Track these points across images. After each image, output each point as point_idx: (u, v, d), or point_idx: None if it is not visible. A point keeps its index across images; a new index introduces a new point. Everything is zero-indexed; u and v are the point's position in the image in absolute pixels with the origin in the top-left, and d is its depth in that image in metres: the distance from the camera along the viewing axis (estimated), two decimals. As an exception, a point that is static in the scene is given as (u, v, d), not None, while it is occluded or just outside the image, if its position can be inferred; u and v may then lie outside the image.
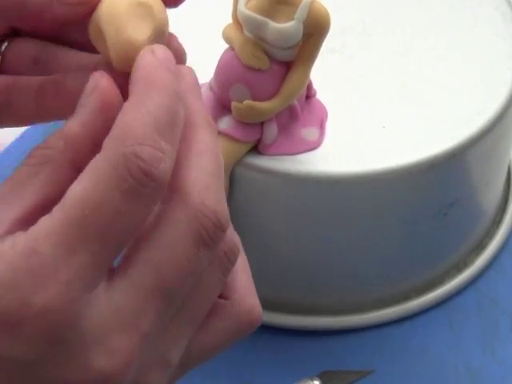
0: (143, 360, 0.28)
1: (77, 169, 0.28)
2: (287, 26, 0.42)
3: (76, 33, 0.34)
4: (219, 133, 0.47)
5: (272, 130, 0.46)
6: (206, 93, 0.47)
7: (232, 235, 0.31)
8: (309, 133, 0.48)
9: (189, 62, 0.35)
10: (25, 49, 0.35)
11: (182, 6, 0.34)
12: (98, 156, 0.27)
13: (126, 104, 0.28)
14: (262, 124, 0.46)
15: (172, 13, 0.34)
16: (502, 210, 0.60)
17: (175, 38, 0.34)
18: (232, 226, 0.31)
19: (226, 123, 0.46)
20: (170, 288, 0.28)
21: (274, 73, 0.44)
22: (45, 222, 0.27)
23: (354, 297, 0.54)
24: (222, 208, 0.29)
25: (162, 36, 0.31)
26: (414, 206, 0.50)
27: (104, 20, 0.30)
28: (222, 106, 0.46)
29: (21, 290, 0.26)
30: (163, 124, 0.27)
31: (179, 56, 0.33)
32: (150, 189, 0.27)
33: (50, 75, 0.34)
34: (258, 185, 0.48)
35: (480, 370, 0.53)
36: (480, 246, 0.58)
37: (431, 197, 0.51)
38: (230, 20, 0.45)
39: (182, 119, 0.28)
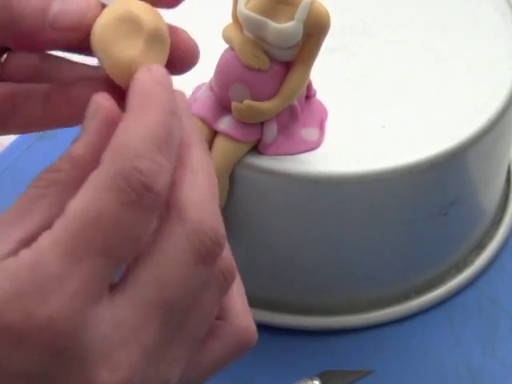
0: (144, 378, 0.28)
1: None
2: (287, 26, 0.42)
3: (81, 48, 0.34)
4: (219, 133, 0.47)
5: (272, 130, 0.46)
6: (206, 93, 0.47)
7: (228, 255, 0.31)
8: (309, 133, 0.48)
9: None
10: (25, 59, 0.35)
11: (182, 6, 0.34)
12: (96, 170, 0.27)
13: (124, 119, 0.28)
14: (262, 124, 0.46)
15: (172, 13, 0.34)
16: (502, 209, 0.60)
17: (184, 31, 0.33)
18: (228, 247, 0.31)
19: (226, 123, 0.46)
20: (170, 304, 0.28)
21: (274, 73, 0.44)
22: (47, 236, 0.27)
23: (354, 297, 0.54)
24: (219, 225, 0.29)
25: (161, 41, 0.31)
26: (414, 206, 0.50)
27: (94, 44, 0.31)
28: (222, 106, 0.46)
29: (25, 302, 0.26)
30: (160, 139, 0.28)
31: (191, 49, 0.33)
32: (149, 201, 0.27)
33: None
34: (258, 185, 0.48)
35: (480, 370, 0.53)
36: (480, 246, 0.58)
37: (431, 196, 0.51)
38: (229, 20, 0.45)
39: (178, 136, 0.29)
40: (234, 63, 0.45)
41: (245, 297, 0.33)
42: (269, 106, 0.45)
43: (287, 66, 0.45)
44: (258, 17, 0.43)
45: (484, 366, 0.53)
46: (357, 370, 0.52)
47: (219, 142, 0.47)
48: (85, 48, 0.32)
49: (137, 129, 0.27)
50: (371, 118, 0.50)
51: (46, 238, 0.27)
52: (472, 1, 0.57)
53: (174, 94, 0.29)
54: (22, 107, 0.34)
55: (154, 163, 0.27)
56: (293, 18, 0.42)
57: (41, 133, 0.63)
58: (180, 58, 0.33)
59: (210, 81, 0.47)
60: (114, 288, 0.28)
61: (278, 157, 0.47)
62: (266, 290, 0.54)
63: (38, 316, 0.26)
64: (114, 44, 0.30)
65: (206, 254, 0.28)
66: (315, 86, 0.48)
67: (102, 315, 0.27)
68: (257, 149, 0.47)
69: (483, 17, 0.56)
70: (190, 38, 0.33)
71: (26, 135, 0.65)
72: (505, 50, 0.54)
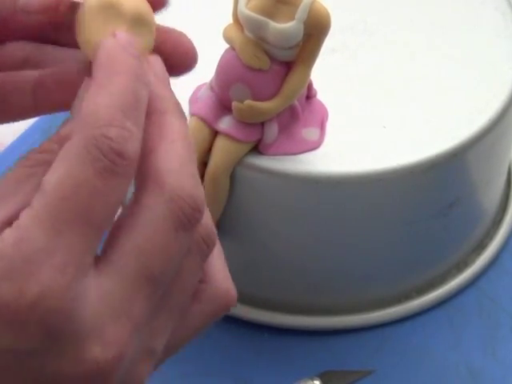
0: (134, 351, 0.28)
1: None
2: (288, 26, 0.42)
3: (67, 34, 0.34)
4: (220, 133, 0.47)
5: (273, 130, 0.46)
6: (206, 93, 0.47)
7: (208, 221, 0.31)
8: (309, 133, 0.48)
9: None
10: (12, 50, 0.35)
11: (182, 6, 0.34)
12: (68, 142, 0.27)
13: (90, 88, 0.28)
14: (262, 124, 0.46)
15: (172, 13, 0.34)
16: (503, 209, 0.60)
17: (182, 34, 0.33)
18: (209, 214, 0.31)
19: (226, 123, 0.46)
20: (155, 273, 0.28)
21: (274, 73, 0.44)
22: (27, 212, 0.27)
23: (354, 297, 0.54)
24: (198, 191, 0.29)
25: (144, 25, 0.31)
26: (414, 206, 0.50)
27: (77, 34, 0.31)
28: (223, 106, 0.46)
29: (14, 279, 0.26)
30: (127, 106, 0.28)
31: (189, 52, 0.33)
32: (122, 167, 0.27)
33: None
34: (258, 185, 0.48)
35: (481, 370, 0.53)
36: (481, 246, 0.58)
37: (432, 197, 0.51)
38: (230, 20, 0.45)
39: (146, 101, 0.29)
40: (234, 63, 0.45)
41: (223, 258, 0.33)
42: (269, 106, 0.45)
43: (288, 66, 0.45)
44: (259, 17, 0.43)
45: (484, 366, 0.53)
46: (357, 369, 0.52)
47: (220, 142, 0.47)
48: (59, 35, 0.33)
49: (104, 96, 0.28)
50: (372, 118, 0.50)
51: (26, 215, 0.27)
52: (472, 1, 0.57)
53: (141, 59, 0.30)
54: (11, 96, 0.34)
55: (122, 130, 0.27)
56: (293, 18, 0.42)
57: (41, 133, 0.63)
58: (178, 60, 0.33)
59: (211, 81, 0.47)
60: (98, 260, 0.28)
61: (278, 157, 0.47)
62: (266, 290, 0.54)
63: (28, 293, 0.26)
64: (96, 31, 0.30)
65: (186, 221, 0.28)
66: (316, 86, 0.48)
67: (90, 288, 0.27)
68: (257, 149, 0.47)
69: (483, 17, 0.56)
70: (189, 41, 0.33)
71: (25, 135, 0.65)
72: (505, 50, 0.54)
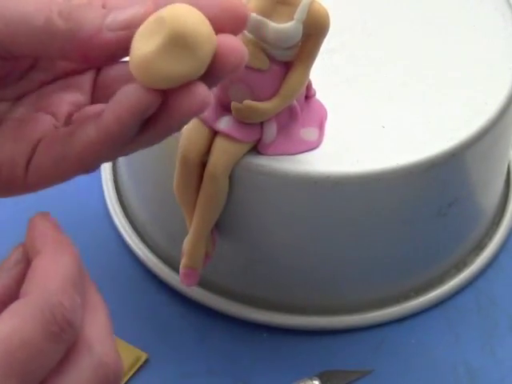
0: None
1: None
2: (287, 26, 0.42)
3: None
4: (219, 133, 0.47)
5: (272, 130, 0.46)
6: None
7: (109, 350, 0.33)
8: (308, 133, 0.48)
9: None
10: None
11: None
12: (24, 299, 0.30)
13: (43, 255, 0.31)
14: (261, 124, 0.46)
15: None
16: (502, 210, 0.60)
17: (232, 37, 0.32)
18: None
19: (225, 123, 0.46)
20: None
21: (273, 73, 0.44)
22: None
23: (354, 297, 0.54)
24: (119, 357, 0.32)
25: (187, 47, 0.29)
26: (413, 206, 0.51)
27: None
28: (222, 106, 0.46)
29: None
30: (76, 281, 0.31)
31: (239, 54, 0.31)
32: (68, 335, 0.30)
33: None
34: (257, 185, 0.48)
35: (479, 370, 0.53)
36: (479, 246, 0.58)
37: (431, 197, 0.51)
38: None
39: (83, 278, 0.32)
40: (233, 63, 0.45)
41: (111, 332, 0.35)
42: (268, 106, 0.45)
43: (287, 66, 0.45)
44: (258, 17, 0.43)
45: (483, 366, 0.53)
46: (356, 369, 0.52)
47: (219, 142, 0.47)
48: None
49: (57, 269, 0.31)
50: (371, 118, 0.50)
51: None
52: (472, 1, 0.57)
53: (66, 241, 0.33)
54: None
55: (74, 301, 0.30)
56: (292, 19, 0.42)
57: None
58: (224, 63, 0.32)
59: (210, 81, 0.47)
60: None
61: (277, 157, 0.47)
62: (266, 290, 0.54)
63: None
64: (137, 41, 0.30)
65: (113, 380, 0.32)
66: (315, 86, 0.48)
67: None
68: (256, 149, 0.47)
69: (483, 17, 0.56)
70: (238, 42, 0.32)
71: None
72: (505, 50, 0.54)
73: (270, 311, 0.54)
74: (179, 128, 0.32)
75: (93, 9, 0.32)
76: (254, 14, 0.43)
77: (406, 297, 0.55)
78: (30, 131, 0.34)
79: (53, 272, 0.31)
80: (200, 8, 0.30)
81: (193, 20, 0.30)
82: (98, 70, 0.36)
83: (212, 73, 0.31)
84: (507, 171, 0.61)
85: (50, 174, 0.33)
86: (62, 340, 0.30)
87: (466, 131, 0.49)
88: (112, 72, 0.36)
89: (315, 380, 0.51)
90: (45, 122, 0.34)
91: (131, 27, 0.31)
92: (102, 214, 0.60)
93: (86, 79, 0.36)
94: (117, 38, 0.32)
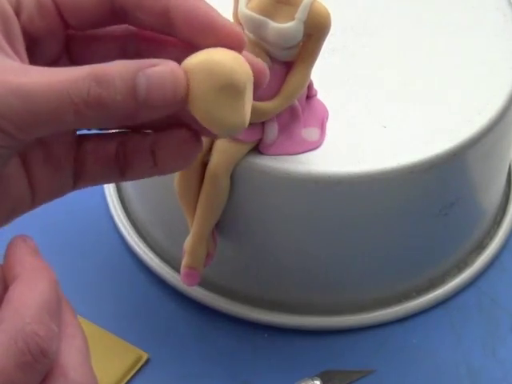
0: None
1: None
2: (288, 26, 0.42)
3: None
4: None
5: (273, 130, 0.46)
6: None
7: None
8: (309, 133, 0.48)
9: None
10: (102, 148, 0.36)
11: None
12: None
13: (20, 282, 0.31)
14: (262, 124, 0.46)
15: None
16: (503, 209, 0.60)
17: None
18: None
19: (226, 123, 0.46)
20: None
21: (274, 73, 0.44)
22: None
23: (354, 297, 0.54)
24: (94, 382, 0.32)
25: (231, 101, 0.33)
26: (414, 206, 0.50)
27: (197, 114, 0.32)
28: (223, 106, 0.46)
29: None
30: (52, 308, 0.31)
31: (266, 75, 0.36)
32: (42, 365, 0.30)
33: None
34: (258, 185, 0.48)
35: (480, 370, 0.53)
36: (481, 246, 0.58)
37: (432, 196, 0.51)
38: (230, 20, 0.45)
39: (60, 305, 0.32)
40: (234, 63, 0.45)
41: (88, 356, 0.34)
42: (269, 106, 0.45)
43: (288, 66, 0.45)
44: (259, 17, 0.43)
45: (484, 366, 0.53)
46: (357, 369, 0.52)
47: (220, 142, 0.47)
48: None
49: (34, 295, 0.31)
50: (372, 118, 0.50)
51: None
52: (472, 1, 0.57)
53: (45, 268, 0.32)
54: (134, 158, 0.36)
55: (49, 330, 0.30)
56: (293, 18, 0.42)
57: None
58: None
59: (211, 81, 0.47)
60: None
61: (278, 157, 0.47)
62: (268, 290, 0.54)
63: None
64: (194, 87, 0.32)
65: None
66: (316, 85, 0.48)
67: None
68: (258, 149, 0.47)
69: (484, 17, 0.56)
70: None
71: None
72: (505, 50, 0.54)
73: (271, 311, 0.54)
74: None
75: None
76: (254, 14, 0.43)
77: (408, 297, 0.55)
78: None
79: (29, 299, 0.30)
80: None
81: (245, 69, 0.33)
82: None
83: None
84: (508, 171, 0.61)
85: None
86: (36, 370, 0.30)
87: (467, 131, 0.49)
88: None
89: (316, 380, 0.51)
90: None
91: (172, 103, 0.32)
92: (103, 214, 0.60)
93: None
94: (156, 115, 0.32)
